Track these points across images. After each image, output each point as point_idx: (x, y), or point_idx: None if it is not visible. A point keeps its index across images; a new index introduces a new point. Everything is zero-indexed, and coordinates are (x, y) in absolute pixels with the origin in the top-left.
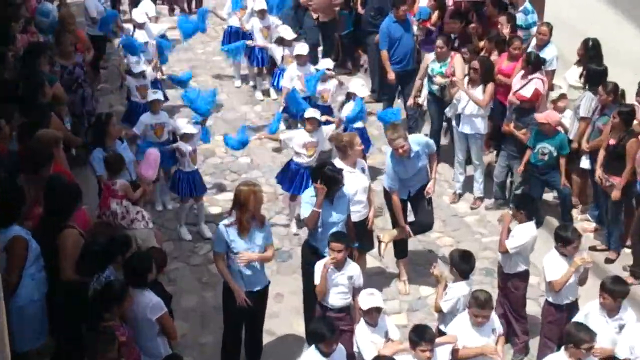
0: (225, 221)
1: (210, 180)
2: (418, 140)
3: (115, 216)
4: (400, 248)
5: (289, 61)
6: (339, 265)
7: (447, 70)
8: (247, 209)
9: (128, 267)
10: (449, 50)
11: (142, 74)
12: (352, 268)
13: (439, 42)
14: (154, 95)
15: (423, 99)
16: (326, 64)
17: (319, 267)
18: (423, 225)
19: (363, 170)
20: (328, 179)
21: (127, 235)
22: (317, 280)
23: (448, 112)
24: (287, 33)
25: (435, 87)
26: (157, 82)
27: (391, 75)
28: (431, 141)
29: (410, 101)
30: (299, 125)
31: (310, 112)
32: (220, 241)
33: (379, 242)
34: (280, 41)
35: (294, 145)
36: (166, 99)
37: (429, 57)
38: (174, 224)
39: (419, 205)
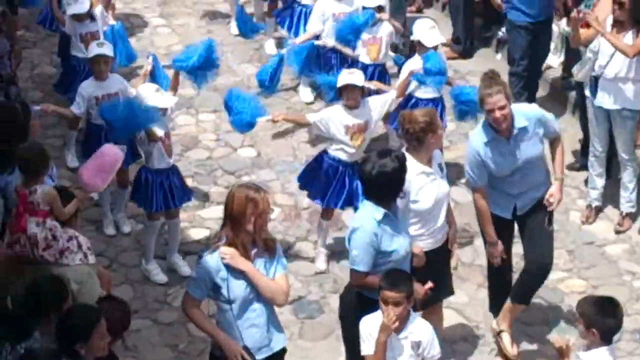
0: (212, 248)
1: (191, 187)
2: (528, 112)
3: (35, 244)
4: (496, 299)
5: None
6: (397, 326)
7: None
8: (242, 226)
9: (64, 329)
10: None
11: (89, 15)
12: (420, 328)
13: None
14: (97, 49)
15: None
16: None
17: (367, 325)
18: (537, 263)
19: (441, 168)
20: (385, 177)
21: (57, 276)
22: (365, 349)
23: (576, 72)
24: None
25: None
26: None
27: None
28: (551, 115)
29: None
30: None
31: (346, 77)
32: (202, 281)
33: (498, 333)
34: None
35: (334, 130)
36: (133, 59)
37: None
38: (134, 258)
39: (532, 229)
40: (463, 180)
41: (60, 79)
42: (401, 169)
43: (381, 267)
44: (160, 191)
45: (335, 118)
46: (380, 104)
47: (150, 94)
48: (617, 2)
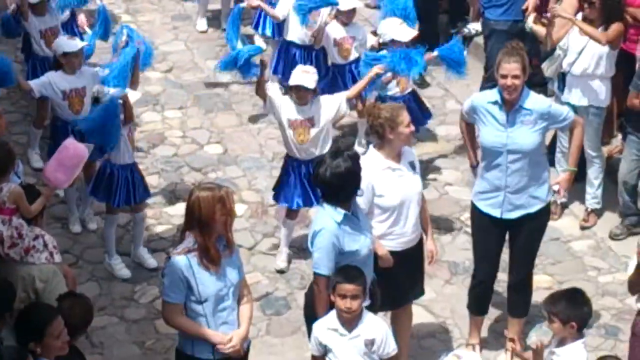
0: (179, 249)
1: (157, 184)
2: (539, 101)
3: (1, 242)
4: (478, 297)
5: None
6: (349, 322)
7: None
8: (212, 229)
9: (19, 328)
10: None
11: (43, 6)
12: (372, 326)
13: None
14: (68, 44)
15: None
16: None
17: (317, 329)
18: (520, 273)
19: (412, 166)
20: (339, 177)
21: (3, 279)
22: (312, 347)
23: (546, 68)
24: None
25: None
26: (73, 22)
27: None
28: (562, 110)
29: None
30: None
31: (299, 76)
32: (177, 284)
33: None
34: None
35: (280, 118)
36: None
37: None
38: (100, 255)
39: (522, 237)
40: (429, 176)
41: (27, 76)
42: (355, 168)
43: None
44: (124, 186)
45: (281, 108)
46: (330, 104)
47: (62, 42)
48: (587, 1)
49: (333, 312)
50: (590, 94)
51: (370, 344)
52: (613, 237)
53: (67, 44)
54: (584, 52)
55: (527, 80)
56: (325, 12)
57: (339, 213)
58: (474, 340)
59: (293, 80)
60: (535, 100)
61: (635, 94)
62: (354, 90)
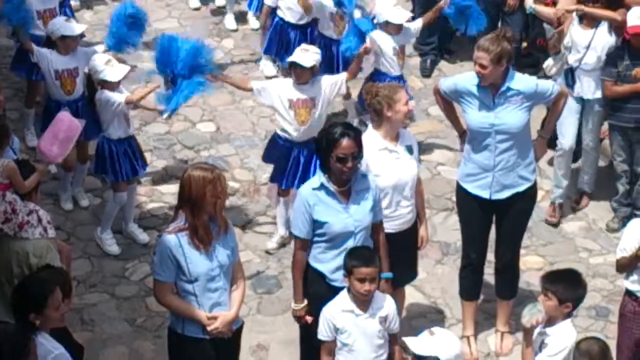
0: (170, 227)
1: (149, 161)
2: (526, 81)
3: None
4: (468, 280)
5: None
6: (365, 302)
7: None
8: (202, 209)
9: (19, 300)
10: None
11: None
12: (384, 303)
13: None
14: (67, 27)
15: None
16: None
17: (328, 311)
18: (507, 256)
19: (410, 150)
20: (321, 147)
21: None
22: (322, 332)
23: (549, 68)
24: None
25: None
26: (66, 2)
27: None
28: (548, 86)
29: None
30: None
31: (297, 54)
32: (167, 262)
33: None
34: None
35: (277, 104)
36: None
37: None
38: (91, 232)
39: (509, 219)
40: (422, 157)
41: (17, 58)
42: (327, 143)
43: (317, 238)
44: (125, 159)
45: (279, 90)
46: (330, 84)
47: (100, 65)
48: None
49: (343, 294)
50: (598, 86)
51: (384, 320)
52: (610, 230)
53: (65, 26)
54: (591, 45)
55: (519, 61)
56: None
57: (318, 179)
58: (468, 332)
59: (291, 58)
60: (520, 80)
61: (611, 83)
62: (350, 72)
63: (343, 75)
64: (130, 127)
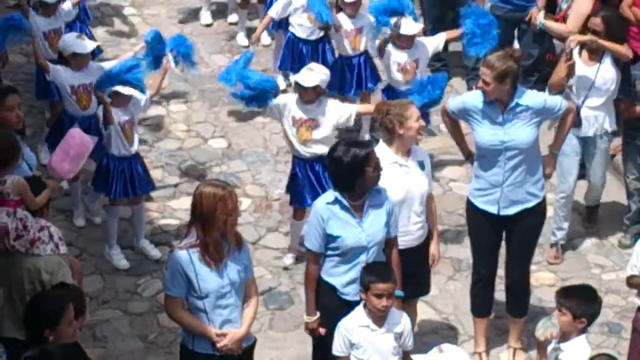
0: (182, 243)
1: (161, 177)
2: (534, 97)
3: (6, 235)
4: (479, 297)
5: None
6: (381, 318)
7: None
8: (213, 226)
9: (32, 317)
10: None
11: (55, 7)
12: (399, 319)
13: None
14: (80, 44)
15: None
16: None
17: (344, 326)
18: (516, 273)
19: (422, 166)
20: (347, 165)
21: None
22: (337, 347)
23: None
24: None
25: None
26: (82, 20)
27: None
28: (556, 102)
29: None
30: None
31: (301, 74)
32: (178, 278)
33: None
34: None
35: (285, 118)
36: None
37: None
38: (104, 248)
39: (518, 235)
40: (433, 173)
41: (38, 84)
42: (353, 162)
43: (330, 252)
44: (120, 179)
45: (287, 105)
46: (338, 111)
47: (71, 41)
48: (593, 30)
49: (359, 309)
50: (604, 121)
51: (399, 337)
52: (623, 247)
53: (77, 44)
54: (595, 85)
55: (532, 77)
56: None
57: (332, 194)
58: (480, 348)
59: (294, 77)
60: (529, 96)
61: (629, 103)
62: (364, 108)
63: (353, 108)
64: (132, 146)
